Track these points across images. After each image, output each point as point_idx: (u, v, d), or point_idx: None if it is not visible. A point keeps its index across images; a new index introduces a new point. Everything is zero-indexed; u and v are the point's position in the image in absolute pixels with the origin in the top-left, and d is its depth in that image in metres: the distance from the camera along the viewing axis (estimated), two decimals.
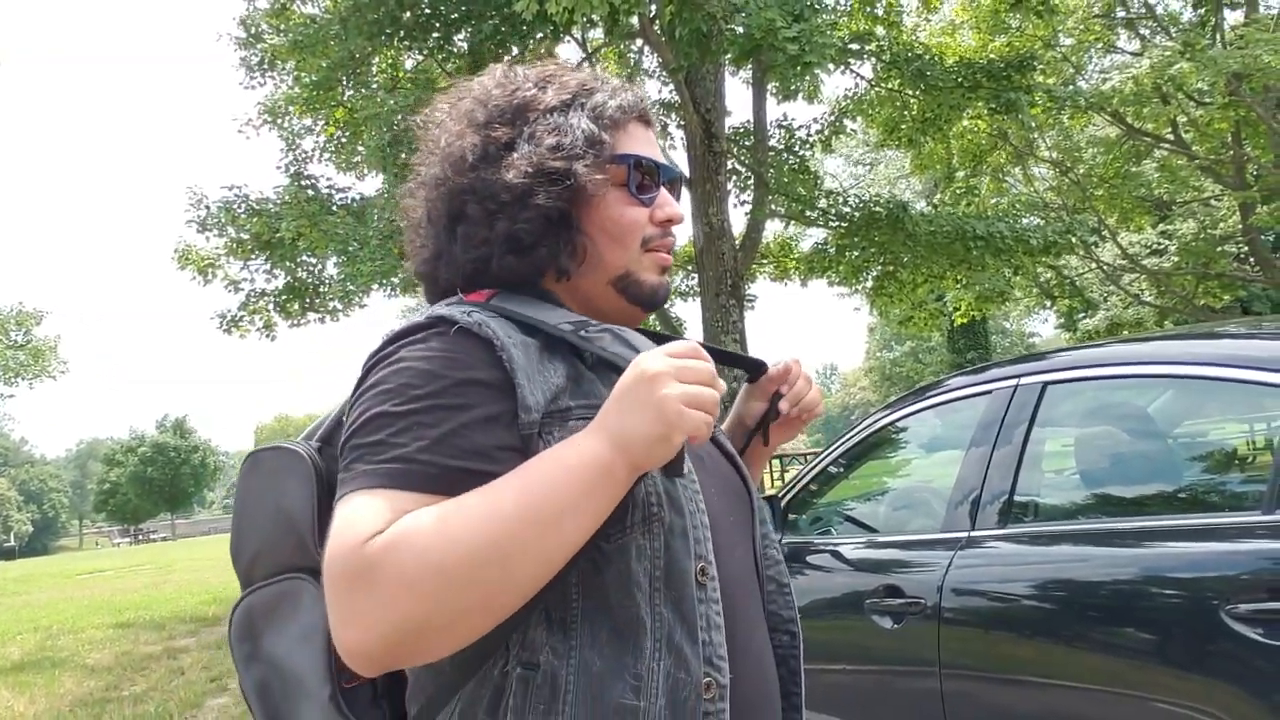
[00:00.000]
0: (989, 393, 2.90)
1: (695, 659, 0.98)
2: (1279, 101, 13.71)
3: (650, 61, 13.03)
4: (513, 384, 0.98)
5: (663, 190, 1.18)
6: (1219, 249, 18.06)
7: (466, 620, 0.89)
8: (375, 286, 11.09)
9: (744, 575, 1.15)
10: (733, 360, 1.33)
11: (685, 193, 1.34)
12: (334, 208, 11.33)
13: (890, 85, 12.50)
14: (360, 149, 11.32)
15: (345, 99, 11.55)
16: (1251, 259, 17.66)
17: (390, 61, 11.97)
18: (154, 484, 60.54)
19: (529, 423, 0.98)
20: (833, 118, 13.37)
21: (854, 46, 11.09)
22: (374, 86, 11.64)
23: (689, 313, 13.41)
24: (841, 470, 3.57)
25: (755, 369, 1.38)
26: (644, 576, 0.99)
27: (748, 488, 1.24)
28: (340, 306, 12.14)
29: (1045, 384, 2.73)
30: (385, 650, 0.87)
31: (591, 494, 0.91)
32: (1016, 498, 2.65)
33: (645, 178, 1.15)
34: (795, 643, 1.22)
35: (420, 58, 11.56)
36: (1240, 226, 16.65)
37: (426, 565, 0.85)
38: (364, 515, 0.89)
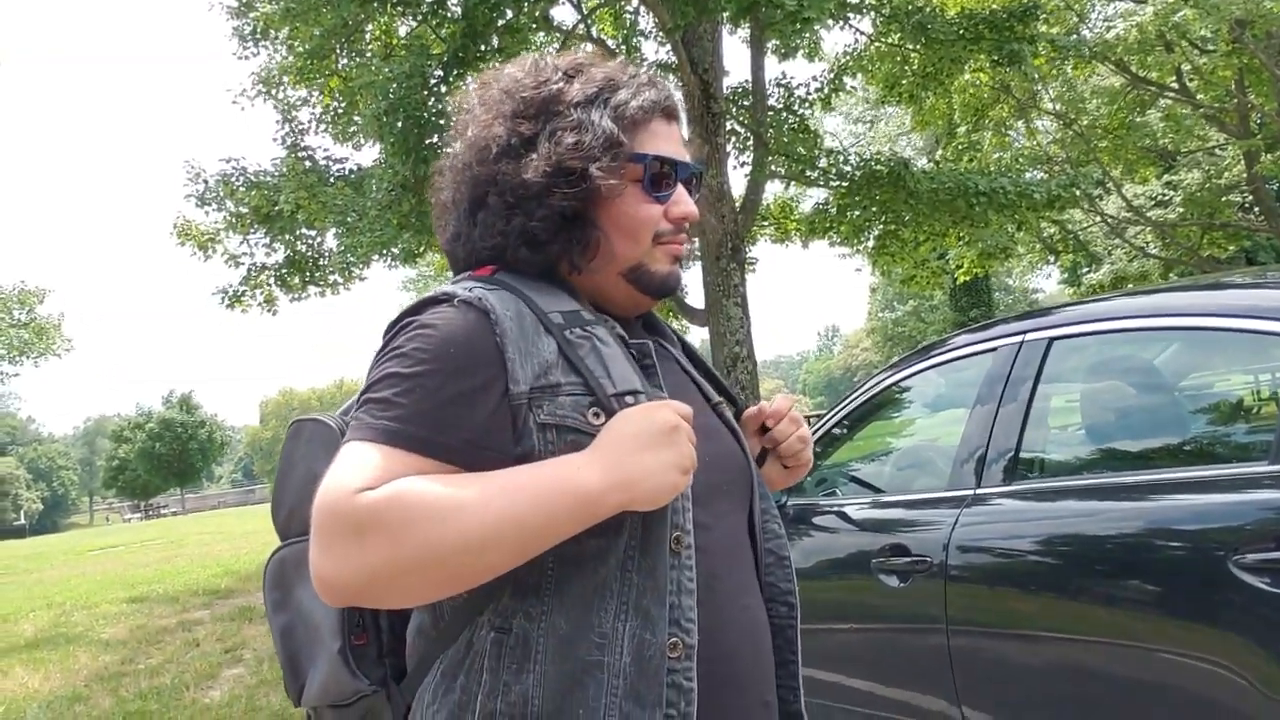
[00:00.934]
0: (994, 350, 2.88)
1: (662, 620, 1.05)
2: None
3: (646, 21, 12.87)
4: (504, 358, 1.05)
5: (680, 188, 1.22)
6: (1224, 199, 17.94)
7: (433, 588, 1.00)
8: (375, 258, 11.05)
9: (733, 545, 1.21)
10: (718, 387, 1.38)
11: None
12: (332, 179, 11.27)
13: (890, 40, 12.34)
14: (357, 119, 11.24)
15: (340, 68, 11.45)
16: (1256, 208, 17.54)
17: (384, 29, 11.84)
18: (162, 460, 60.84)
19: (517, 394, 1.05)
20: (832, 75, 13.23)
21: (853, 0, 10.95)
22: (368, 54, 11.52)
23: (690, 277, 13.34)
24: (846, 431, 3.57)
25: (736, 405, 1.40)
26: (620, 546, 1.07)
27: (749, 462, 1.29)
28: (340, 279, 12.11)
29: (1051, 339, 2.71)
30: (353, 591, 0.97)
31: (581, 523, 1.02)
32: (1022, 454, 2.64)
33: (662, 176, 1.20)
34: (792, 614, 1.29)
35: (414, 24, 11.43)
36: (1245, 175, 16.52)
37: (410, 536, 0.94)
38: (360, 466, 0.98)
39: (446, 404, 1.02)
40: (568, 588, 1.05)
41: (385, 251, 10.80)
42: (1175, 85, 16.25)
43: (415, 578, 0.96)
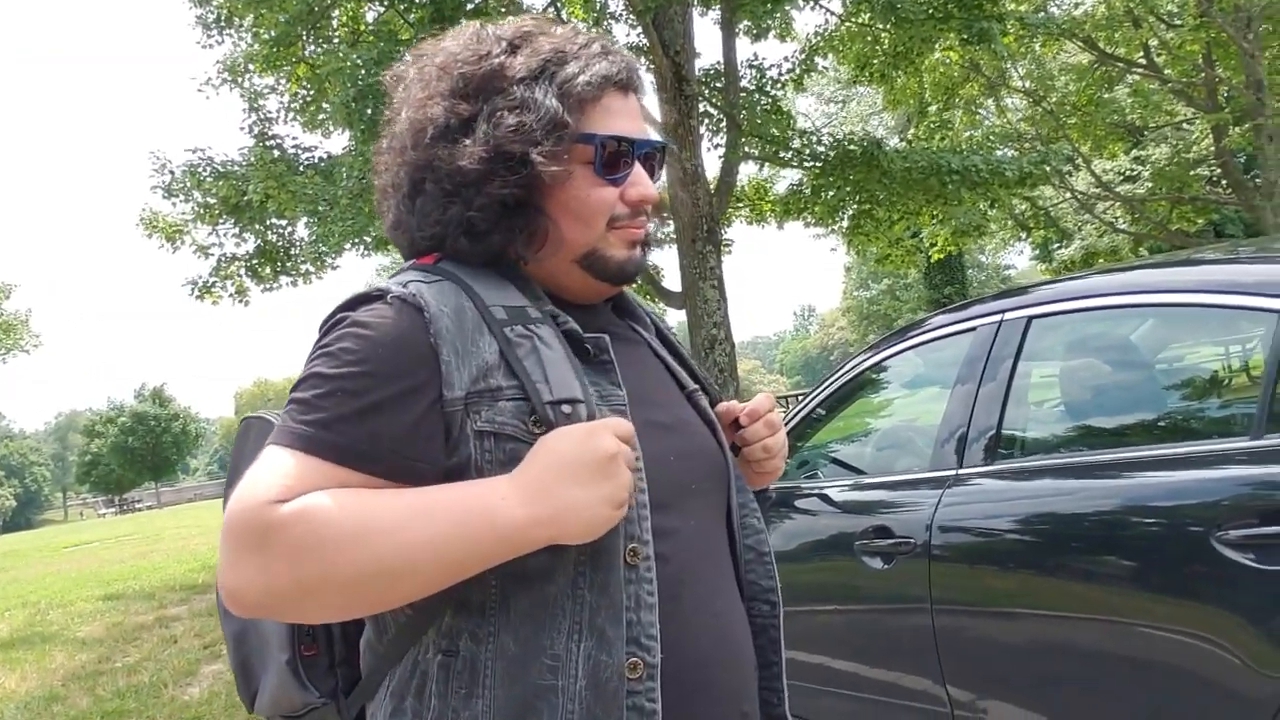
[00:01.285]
0: (973, 329, 2.88)
1: (619, 640, 0.98)
2: (1249, 21, 13.63)
3: (617, 4, 12.79)
4: (438, 360, 0.98)
5: (636, 167, 1.12)
6: (1192, 173, 18.07)
7: (342, 609, 0.95)
8: (347, 246, 10.95)
9: (706, 545, 1.14)
10: (693, 374, 1.28)
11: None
12: (301, 168, 11.14)
13: (860, 20, 12.33)
14: (325, 106, 11.10)
15: (306, 55, 11.29)
16: (1224, 182, 17.69)
17: (351, 14, 11.69)
18: (136, 453, 60.31)
19: (452, 400, 0.98)
20: (803, 56, 13.20)
21: None
22: (335, 41, 11.38)
23: (666, 259, 13.34)
24: (827, 413, 3.56)
25: (710, 394, 1.30)
26: (569, 561, 0.99)
27: (725, 456, 1.21)
28: (313, 269, 12.00)
29: (1030, 318, 2.71)
30: (256, 606, 0.92)
31: (504, 556, 0.95)
32: (1004, 433, 2.65)
33: (617, 155, 1.10)
34: (775, 612, 1.21)
35: (382, 9, 11.29)
36: (1213, 149, 16.65)
37: (315, 557, 0.89)
38: (273, 474, 0.91)
39: (369, 410, 0.94)
40: (514, 606, 0.98)
41: (358, 240, 10.70)
42: (1143, 61, 16.33)
43: (320, 598, 0.91)
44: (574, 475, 0.95)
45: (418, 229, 1.10)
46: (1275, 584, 1.88)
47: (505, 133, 1.04)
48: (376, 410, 0.95)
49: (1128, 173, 19.24)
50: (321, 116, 11.59)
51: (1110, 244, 20.21)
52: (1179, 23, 14.69)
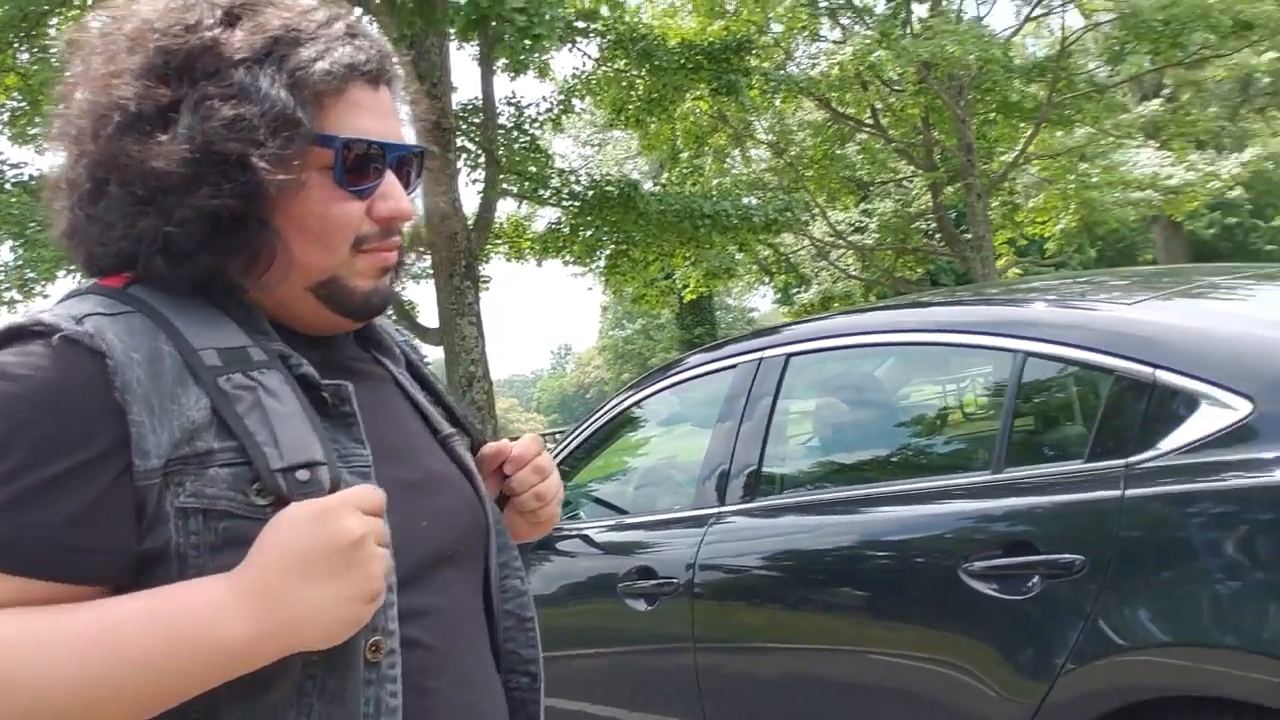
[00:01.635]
0: (734, 367, 2.91)
1: None
2: (961, 89, 15.14)
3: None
4: (126, 420, 0.75)
5: (388, 177, 0.90)
6: (913, 226, 19.79)
7: None
8: (61, 274, 10.00)
9: (458, 622, 0.96)
10: (450, 416, 1.08)
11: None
12: (8, 185, 10.10)
13: (616, 65, 12.67)
14: (39, 120, 10.11)
15: (18, 63, 10.30)
16: (939, 235, 19.45)
17: (72, 23, 10.73)
18: None
19: (146, 471, 0.75)
20: (561, 97, 13.39)
21: (580, 25, 11.16)
22: (52, 51, 10.41)
23: (422, 295, 13.03)
24: (588, 453, 3.50)
25: (470, 436, 1.10)
26: (295, 664, 0.79)
27: (485, 510, 1.03)
28: (19, 296, 10.86)
29: (788, 356, 2.77)
30: None
31: (224, 679, 0.76)
32: (764, 471, 2.68)
33: (366, 160, 0.88)
34: (535, 684, 1.05)
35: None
36: (930, 205, 18.29)
37: None
38: None
39: (27, 495, 0.72)
40: (230, 714, 0.79)
41: (74, 268, 9.76)
42: (870, 121, 17.74)
43: None
44: (311, 571, 0.75)
45: (99, 242, 0.85)
46: (1018, 613, 1.97)
47: (218, 128, 0.80)
48: (37, 494, 0.72)
49: (858, 224, 20.80)
50: (33, 131, 10.55)
51: (845, 289, 21.71)
52: (900, 88, 16.09)
